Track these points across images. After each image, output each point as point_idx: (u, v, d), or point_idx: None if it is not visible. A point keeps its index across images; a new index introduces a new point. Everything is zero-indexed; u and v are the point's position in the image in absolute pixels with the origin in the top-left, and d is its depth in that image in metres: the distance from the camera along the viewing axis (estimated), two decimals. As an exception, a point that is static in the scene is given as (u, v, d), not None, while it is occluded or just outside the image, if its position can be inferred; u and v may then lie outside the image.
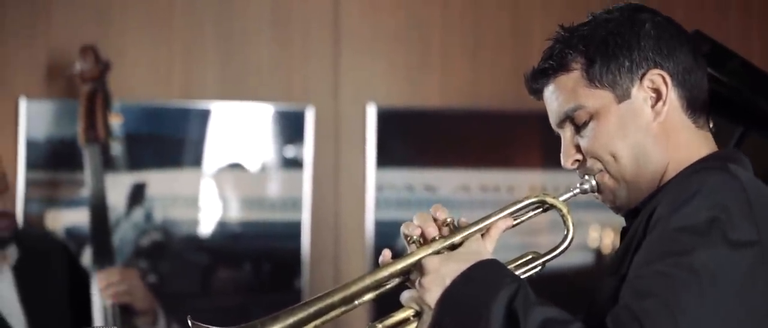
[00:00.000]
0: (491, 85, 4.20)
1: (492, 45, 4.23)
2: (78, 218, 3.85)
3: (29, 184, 3.86)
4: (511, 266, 1.93)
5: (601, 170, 1.93)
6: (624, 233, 1.97)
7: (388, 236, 4.00)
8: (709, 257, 1.70)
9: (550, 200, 1.93)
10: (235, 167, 4.04)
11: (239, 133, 4.04)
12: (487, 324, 1.75)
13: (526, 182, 4.20)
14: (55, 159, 3.87)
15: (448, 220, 1.92)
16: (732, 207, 1.75)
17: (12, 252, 3.32)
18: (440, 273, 1.83)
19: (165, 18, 4.01)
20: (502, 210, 1.93)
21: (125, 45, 3.95)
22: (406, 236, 1.92)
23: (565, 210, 1.92)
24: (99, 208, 3.55)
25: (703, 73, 1.95)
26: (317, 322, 1.86)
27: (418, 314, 1.86)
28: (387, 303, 1.94)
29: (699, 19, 3.85)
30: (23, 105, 3.86)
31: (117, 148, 3.87)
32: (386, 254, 1.92)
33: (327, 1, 4.12)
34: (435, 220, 1.92)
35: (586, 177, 1.94)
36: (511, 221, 1.94)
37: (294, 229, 4.05)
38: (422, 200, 4.12)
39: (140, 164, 3.96)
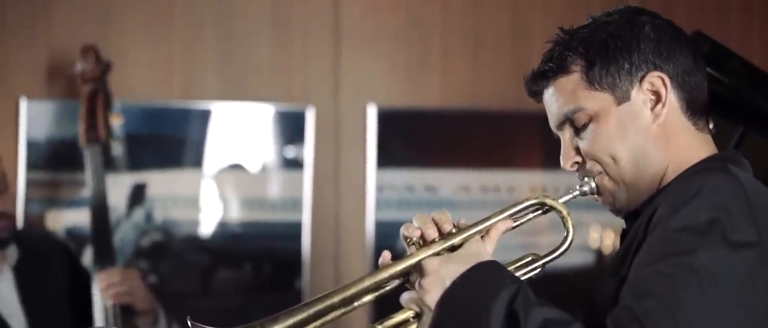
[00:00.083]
0: (491, 85, 4.20)
1: (492, 45, 4.23)
2: (78, 218, 3.85)
3: (30, 184, 3.86)
4: (510, 268, 1.93)
5: (601, 172, 1.93)
6: (624, 235, 1.97)
7: (388, 236, 4.00)
8: (709, 257, 1.70)
9: (549, 201, 1.93)
10: (236, 167, 4.05)
11: (240, 133, 4.04)
12: (487, 325, 1.75)
13: (526, 182, 4.21)
14: (56, 159, 3.87)
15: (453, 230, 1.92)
16: (732, 208, 1.75)
17: (12, 252, 3.32)
18: (440, 274, 1.83)
19: (165, 18, 4.01)
20: (501, 212, 1.93)
21: (125, 45, 3.95)
22: (405, 238, 1.92)
23: (564, 212, 1.93)
24: (100, 208, 3.55)
25: (703, 75, 1.96)
26: (317, 323, 1.86)
27: (417, 316, 1.87)
28: (387, 305, 1.94)
29: (700, 20, 3.85)
30: (24, 105, 3.86)
31: (117, 149, 3.87)
32: (386, 255, 1.92)
33: (327, 2, 4.12)
34: (435, 222, 1.92)
35: (586, 179, 1.95)
36: (510, 223, 1.94)
37: (294, 229, 4.05)
38: (422, 201, 4.13)
39: (141, 164, 3.96)
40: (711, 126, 2.02)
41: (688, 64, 1.93)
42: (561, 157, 1.97)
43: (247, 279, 4.07)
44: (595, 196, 1.95)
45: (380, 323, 1.88)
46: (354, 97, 4.12)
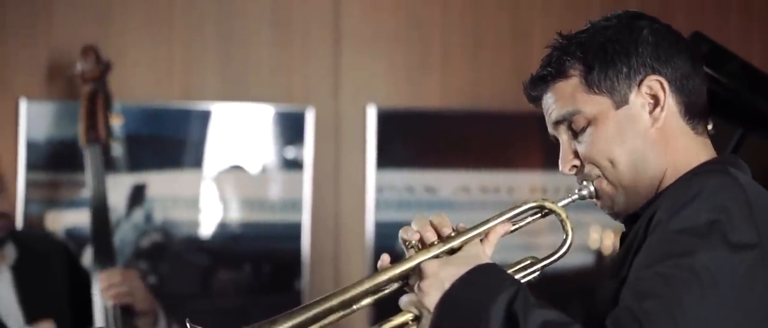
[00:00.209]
0: (491, 85, 4.20)
1: (492, 45, 4.23)
2: (78, 219, 3.85)
3: (29, 185, 3.86)
4: (510, 271, 1.93)
5: (599, 176, 1.93)
6: (623, 237, 1.97)
7: (388, 237, 4.00)
8: (709, 258, 1.70)
9: (549, 205, 1.93)
10: (236, 168, 4.05)
11: (239, 134, 4.04)
12: (486, 327, 1.74)
13: (526, 183, 4.21)
14: (56, 160, 3.87)
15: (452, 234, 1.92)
16: (732, 209, 1.75)
17: (10, 252, 3.32)
18: (439, 277, 1.83)
19: (165, 18, 4.01)
20: (501, 215, 1.93)
21: (125, 46, 3.95)
22: (404, 241, 1.92)
23: (563, 215, 1.93)
24: (100, 208, 3.55)
25: (702, 79, 1.96)
26: (315, 326, 1.86)
27: (417, 318, 1.86)
28: (386, 308, 1.94)
29: (700, 22, 3.86)
30: (23, 106, 3.86)
31: (117, 149, 3.87)
32: (385, 258, 1.92)
33: (327, 2, 4.12)
34: (434, 226, 1.92)
35: (585, 183, 1.95)
36: (510, 226, 1.93)
37: (294, 230, 4.05)
38: (422, 202, 4.13)
39: (140, 165, 3.96)
40: (710, 127, 2.03)
41: (686, 68, 1.93)
42: (560, 161, 1.97)
43: (246, 280, 4.07)
44: (594, 199, 1.96)
45: (379, 326, 1.88)
46: (354, 97, 4.12)
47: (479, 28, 4.23)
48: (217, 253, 4.03)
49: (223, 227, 4.03)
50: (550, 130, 1.98)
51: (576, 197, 1.95)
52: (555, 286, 4.02)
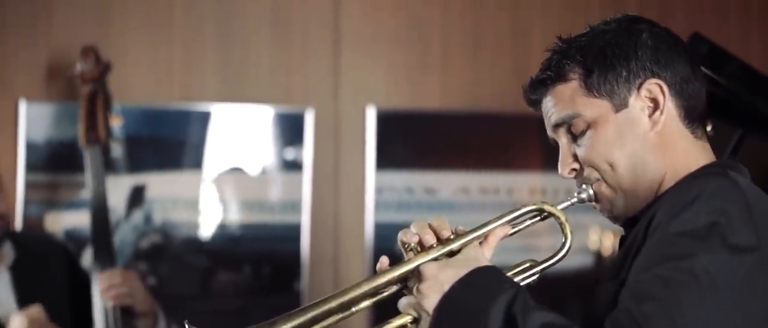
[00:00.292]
0: (491, 86, 4.20)
1: (492, 45, 4.23)
2: (78, 220, 3.85)
3: (28, 186, 3.86)
4: (509, 274, 1.93)
5: (599, 179, 1.93)
6: (622, 241, 1.97)
7: (387, 238, 4.00)
8: (708, 261, 1.70)
9: (548, 208, 1.93)
10: (235, 169, 4.04)
11: (239, 135, 4.04)
12: (485, 329, 1.75)
13: (526, 184, 4.20)
14: (55, 161, 3.87)
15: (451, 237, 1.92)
16: (732, 212, 1.75)
17: (8, 252, 3.32)
18: (438, 279, 1.84)
19: (165, 19, 4.01)
20: (500, 218, 1.93)
21: (125, 46, 3.95)
22: (403, 244, 1.92)
23: (563, 218, 1.93)
24: (100, 209, 3.54)
25: (701, 83, 1.96)
26: (314, 328, 1.87)
27: (416, 321, 1.87)
28: (385, 310, 1.94)
29: (699, 23, 3.85)
30: (23, 107, 3.86)
31: (117, 150, 3.87)
32: (384, 261, 1.92)
33: (327, 3, 4.12)
34: (433, 229, 1.92)
35: (584, 186, 1.95)
36: (509, 229, 1.94)
37: (293, 231, 4.05)
38: (422, 203, 4.13)
39: (140, 166, 3.96)
40: (709, 128, 2.03)
41: (686, 71, 1.93)
42: (559, 165, 1.97)
43: (246, 281, 4.07)
44: (593, 203, 1.96)
45: (378, 328, 1.88)
46: (353, 98, 4.12)
47: (479, 29, 4.23)
48: (217, 254, 4.03)
49: (222, 228, 4.03)
50: (550, 133, 1.98)
51: (575, 200, 1.95)
52: (554, 287, 4.03)
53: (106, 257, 3.47)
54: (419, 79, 4.18)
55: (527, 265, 1.96)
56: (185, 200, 4.00)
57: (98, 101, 3.66)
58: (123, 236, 3.93)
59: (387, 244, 3.92)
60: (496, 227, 1.92)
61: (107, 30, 3.95)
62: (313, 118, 4.06)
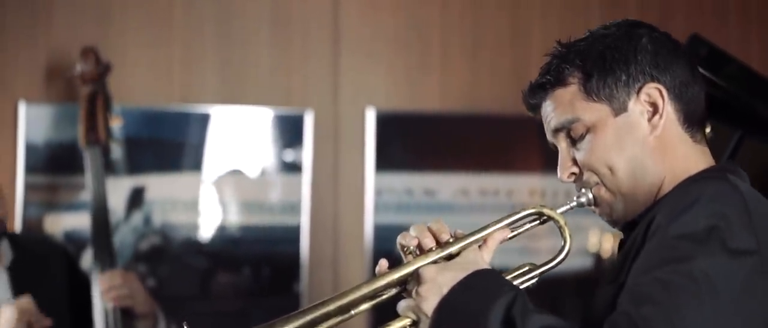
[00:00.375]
0: (491, 87, 4.19)
1: (491, 46, 4.22)
2: (77, 221, 3.85)
3: (28, 188, 3.86)
4: (508, 277, 1.93)
5: (598, 183, 1.93)
6: (621, 244, 1.97)
7: (387, 240, 4.00)
8: (708, 264, 1.70)
9: (547, 212, 1.94)
10: (235, 170, 4.04)
11: (239, 137, 4.04)
12: (484, 332, 1.75)
13: (525, 186, 4.20)
14: (54, 163, 3.87)
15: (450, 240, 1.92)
16: (731, 216, 1.75)
17: (6, 252, 3.31)
18: (437, 282, 1.84)
19: (164, 20, 4.01)
20: (499, 221, 1.93)
21: (125, 47, 3.95)
22: (402, 247, 1.92)
23: (562, 222, 1.94)
24: (100, 210, 3.54)
25: (701, 87, 1.96)
26: (313, 331, 1.87)
27: (415, 324, 1.87)
28: (384, 313, 1.94)
29: (698, 24, 3.86)
30: (22, 109, 3.86)
31: (116, 152, 3.87)
32: (383, 263, 1.92)
33: (326, 5, 4.12)
34: (432, 232, 1.92)
35: (583, 190, 1.95)
36: (508, 233, 1.94)
37: (293, 233, 4.05)
38: (421, 204, 4.12)
39: (140, 167, 3.96)
40: (708, 130, 2.03)
41: (685, 76, 1.93)
42: (558, 169, 1.97)
43: (245, 283, 4.07)
44: (593, 207, 1.96)
45: (377, 331, 1.88)
46: (353, 100, 4.12)
47: (478, 29, 4.23)
48: (216, 256, 4.03)
49: (222, 229, 4.03)
50: (549, 138, 1.98)
51: (574, 204, 1.95)
52: (554, 289, 4.03)
53: (106, 258, 3.47)
54: (419, 81, 4.18)
55: (526, 268, 1.96)
56: (185, 201, 4.00)
57: (98, 102, 3.66)
58: (122, 238, 3.93)
59: (386, 245, 3.92)
60: (495, 231, 1.92)
61: (107, 31, 3.95)
62: (313, 119, 4.06)
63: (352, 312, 1.90)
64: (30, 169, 3.85)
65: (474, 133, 4.20)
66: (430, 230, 1.92)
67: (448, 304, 1.81)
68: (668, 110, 1.91)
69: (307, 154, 4.06)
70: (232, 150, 4.03)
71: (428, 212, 4.04)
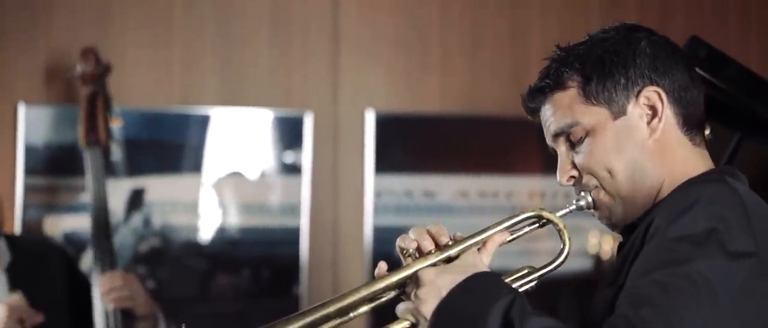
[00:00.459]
0: (490, 88, 4.20)
1: (491, 47, 4.22)
2: (77, 223, 3.85)
3: (27, 190, 3.85)
4: (507, 279, 1.93)
5: (597, 187, 1.94)
6: (621, 247, 1.97)
7: (386, 241, 4.00)
8: (706, 267, 1.70)
9: (546, 215, 1.94)
10: (234, 172, 4.04)
11: (238, 139, 4.04)
12: (483, 334, 1.75)
13: (525, 187, 4.20)
14: (54, 165, 3.87)
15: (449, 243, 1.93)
16: (730, 218, 1.75)
17: (4, 254, 3.31)
18: (436, 285, 1.84)
19: (164, 20, 4.01)
20: (498, 224, 1.93)
21: (125, 48, 3.95)
22: (401, 249, 1.92)
23: (561, 225, 1.94)
24: (101, 210, 3.54)
25: (700, 91, 1.96)
26: (312, 333, 1.87)
27: (414, 326, 1.87)
28: (383, 316, 1.94)
29: (698, 25, 3.87)
30: (22, 110, 3.86)
31: (116, 153, 3.87)
32: (382, 266, 1.92)
33: (326, 5, 4.12)
34: (431, 235, 1.92)
35: (582, 193, 1.95)
36: (507, 235, 1.94)
37: (293, 235, 4.05)
38: (421, 206, 4.12)
39: (139, 169, 3.96)
40: (707, 132, 2.03)
41: (684, 79, 1.93)
42: (557, 172, 1.97)
43: (245, 285, 4.07)
44: (592, 210, 1.96)
45: (376, 333, 1.89)
46: (352, 102, 4.12)
47: (478, 30, 4.23)
48: (216, 257, 4.03)
49: (221, 231, 4.03)
50: (549, 142, 1.99)
51: (574, 207, 1.95)
52: (553, 290, 4.03)
53: (106, 259, 3.47)
54: (418, 82, 4.18)
55: (525, 271, 1.96)
56: (184, 203, 4.00)
57: (98, 103, 3.66)
58: (122, 240, 3.92)
59: (386, 247, 3.92)
60: (494, 234, 1.92)
61: (107, 31, 3.95)
62: (312, 121, 4.06)
63: (352, 314, 1.90)
64: (30, 171, 3.85)
65: (474, 134, 4.20)
66: (429, 232, 1.92)
67: (446, 307, 1.81)
68: (667, 113, 1.92)
69: (306, 155, 4.06)
70: (231, 152, 4.03)
71: (428, 214, 4.04)
